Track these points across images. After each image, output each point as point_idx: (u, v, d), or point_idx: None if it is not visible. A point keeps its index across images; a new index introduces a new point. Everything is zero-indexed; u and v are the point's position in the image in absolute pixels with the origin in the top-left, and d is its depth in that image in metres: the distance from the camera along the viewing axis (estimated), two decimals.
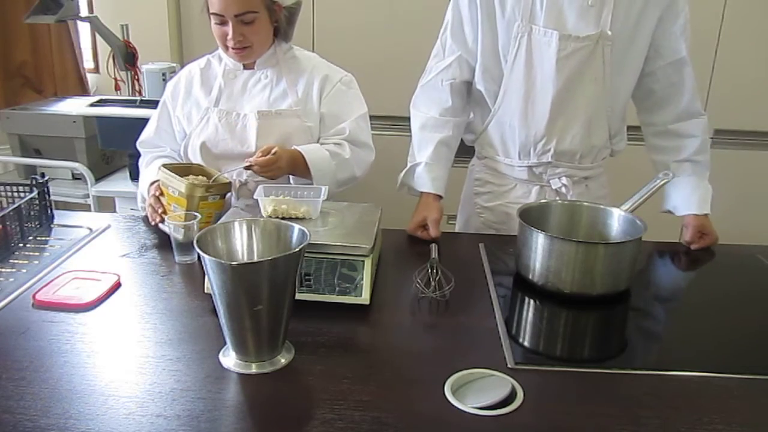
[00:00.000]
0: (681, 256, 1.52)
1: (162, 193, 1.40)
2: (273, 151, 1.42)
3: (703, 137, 1.53)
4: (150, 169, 1.54)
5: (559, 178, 1.54)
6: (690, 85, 1.49)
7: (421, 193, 1.54)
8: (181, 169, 1.41)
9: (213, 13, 1.42)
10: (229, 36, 1.43)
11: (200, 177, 1.41)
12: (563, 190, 1.54)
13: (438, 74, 1.55)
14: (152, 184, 1.45)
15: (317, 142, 1.57)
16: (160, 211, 1.40)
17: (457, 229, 1.73)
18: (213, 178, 1.40)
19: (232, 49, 1.47)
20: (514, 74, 1.47)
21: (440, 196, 1.54)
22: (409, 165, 1.58)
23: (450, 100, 1.55)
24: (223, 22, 1.43)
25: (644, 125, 1.59)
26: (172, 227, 1.30)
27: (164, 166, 1.40)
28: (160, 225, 1.41)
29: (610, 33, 1.39)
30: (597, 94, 1.46)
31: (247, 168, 1.43)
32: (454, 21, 1.52)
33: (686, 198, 1.51)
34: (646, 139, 1.59)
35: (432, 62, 1.58)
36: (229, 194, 1.57)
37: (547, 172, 1.55)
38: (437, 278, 1.22)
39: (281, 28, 1.52)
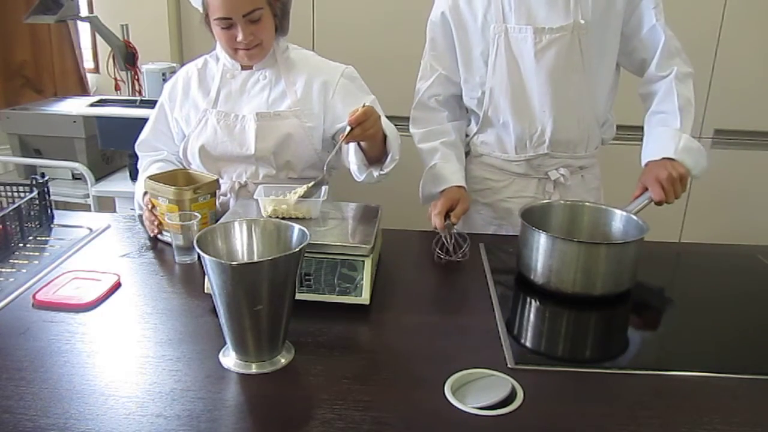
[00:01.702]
0: (681, 256, 1.52)
1: (154, 206, 1.40)
2: (358, 110, 1.23)
3: (687, 94, 1.46)
4: (145, 175, 1.53)
5: (556, 169, 1.57)
6: (671, 45, 1.47)
7: (443, 191, 1.51)
8: (167, 177, 1.41)
9: (219, 18, 1.40)
10: (239, 38, 1.42)
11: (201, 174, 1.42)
12: (561, 180, 1.56)
13: (424, 93, 1.62)
14: (146, 194, 1.44)
15: (320, 142, 1.56)
16: (156, 223, 1.40)
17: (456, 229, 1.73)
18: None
19: (243, 50, 1.46)
20: (497, 74, 1.50)
21: (464, 189, 1.52)
22: (423, 176, 1.58)
23: (443, 112, 1.61)
24: (230, 25, 1.42)
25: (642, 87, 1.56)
26: (172, 235, 1.30)
27: (149, 177, 1.40)
28: (159, 236, 1.42)
29: (583, 22, 1.43)
30: (581, 82, 1.49)
31: (348, 137, 1.24)
32: (431, 42, 1.59)
33: (645, 148, 1.46)
34: (639, 89, 1.56)
35: (419, 84, 1.63)
36: (228, 197, 1.58)
37: (544, 164, 1.57)
38: (452, 242, 1.34)
39: (278, 21, 1.51)
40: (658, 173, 1.35)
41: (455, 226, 1.41)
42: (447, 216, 1.42)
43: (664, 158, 1.38)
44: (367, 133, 1.25)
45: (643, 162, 1.44)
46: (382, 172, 1.39)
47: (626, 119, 1.67)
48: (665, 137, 1.42)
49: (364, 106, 1.24)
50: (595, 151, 1.62)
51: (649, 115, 1.50)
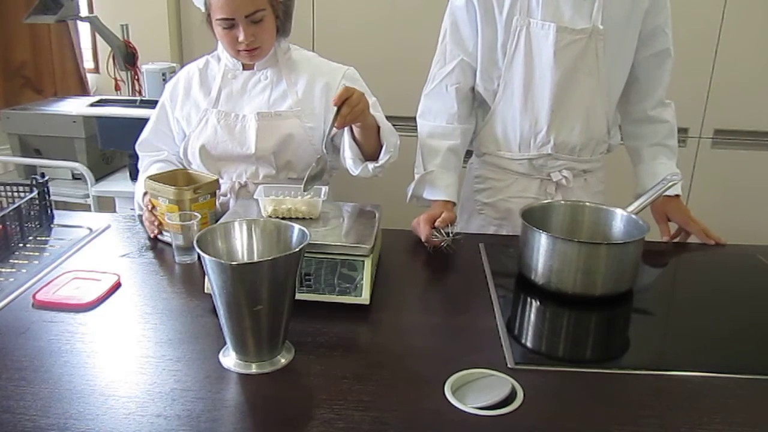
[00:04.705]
0: (681, 256, 1.52)
1: (154, 206, 1.40)
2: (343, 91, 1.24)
3: (673, 122, 1.59)
4: (145, 175, 1.53)
5: (559, 171, 1.56)
6: (668, 76, 1.56)
7: (434, 201, 1.52)
8: (167, 177, 1.41)
9: (221, 19, 1.41)
10: (241, 38, 1.42)
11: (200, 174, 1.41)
12: (563, 182, 1.56)
13: (442, 80, 1.56)
14: (146, 194, 1.44)
15: (321, 143, 1.56)
16: (156, 224, 1.40)
17: (458, 230, 1.72)
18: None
19: (244, 51, 1.46)
20: (513, 68, 1.49)
21: (454, 204, 1.53)
22: (418, 176, 1.56)
23: (455, 105, 1.56)
24: (232, 26, 1.42)
25: (623, 114, 1.63)
26: (172, 235, 1.30)
27: (149, 177, 1.40)
28: (159, 236, 1.42)
29: (601, 27, 1.42)
30: (593, 88, 1.48)
31: (339, 120, 1.25)
32: (452, 26, 1.54)
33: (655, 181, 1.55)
34: (623, 127, 1.64)
35: (434, 69, 1.58)
36: (228, 197, 1.58)
37: (547, 165, 1.56)
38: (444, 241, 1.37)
39: (280, 22, 1.51)
40: (684, 215, 1.55)
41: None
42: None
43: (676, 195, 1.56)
44: (355, 109, 1.25)
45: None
46: (377, 165, 1.39)
47: None
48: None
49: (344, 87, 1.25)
50: (600, 156, 1.61)
51: (660, 146, 1.58)
